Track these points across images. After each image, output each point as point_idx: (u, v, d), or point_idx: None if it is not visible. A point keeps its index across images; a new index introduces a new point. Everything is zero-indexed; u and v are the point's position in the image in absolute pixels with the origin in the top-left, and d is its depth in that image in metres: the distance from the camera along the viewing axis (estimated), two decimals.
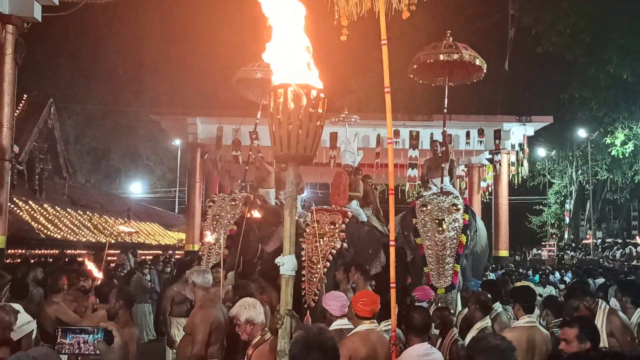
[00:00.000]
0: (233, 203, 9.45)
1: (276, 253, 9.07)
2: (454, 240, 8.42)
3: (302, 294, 8.39)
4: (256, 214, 9.45)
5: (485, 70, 10.40)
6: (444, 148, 10.21)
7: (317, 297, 8.13)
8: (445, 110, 10.59)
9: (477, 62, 9.96)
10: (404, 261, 9.21)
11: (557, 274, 16.69)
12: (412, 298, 6.78)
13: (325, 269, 8.50)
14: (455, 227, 8.50)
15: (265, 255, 9.27)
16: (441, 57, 9.71)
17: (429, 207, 8.72)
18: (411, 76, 11.07)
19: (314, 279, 8.47)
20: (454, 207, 8.64)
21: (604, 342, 5.16)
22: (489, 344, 3.12)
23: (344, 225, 8.95)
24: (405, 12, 5.79)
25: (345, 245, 8.77)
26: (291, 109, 3.37)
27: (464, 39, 11.53)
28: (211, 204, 9.70)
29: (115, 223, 22.47)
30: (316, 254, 8.56)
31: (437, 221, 8.51)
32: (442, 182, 9.90)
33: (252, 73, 10.92)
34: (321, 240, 8.74)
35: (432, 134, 17.42)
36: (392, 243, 5.16)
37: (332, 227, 8.91)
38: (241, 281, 8.11)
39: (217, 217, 9.41)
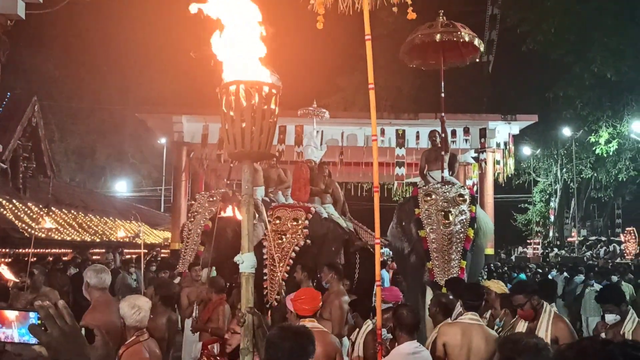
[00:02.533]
0: (211, 199, 9.31)
1: (256, 250, 8.82)
2: (461, 234, 7.72)
3: (265, 293, 8.15)
4: (230, 211, 9.28)
5: (482, 50, 9.44)
6: (443, 134, 9.36)
7: (279, 297, 7.87)
8: (442, 95, 9.52)
9: (475, 42, 8.93)
10: (371, 259, 9.08)
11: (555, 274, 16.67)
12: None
13: (288, 267, 8.18)
14: (462, 219, 7.80)
15: None
16: (438, 37, 8.63)
17: (433, 197, 8.00)
18: (404, 60, 9.92)
19: (277, 278, 8.17)
20: (461, 198, 7.95)
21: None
22: (528, 344, 3.14)
23: (307, 222, 8.59)
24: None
25: (308, 242, 8.45)
26: (244, 106, 3.33)
27: None
28: (193, 202, 9.65)
29: (100, 222, 22.35)
30: (278, 252, 8.24)
31: (442, 213, 7.80)
32: (442, 173, 9.08)
33: None
34: (283, 237, 8.41)
35: (418, 132, 17.51)
36: (377, 241, 5.12)
37: (295, 223, 8.54)
38: (164, 279, 7.97)
39: (195, 213, 9.31)
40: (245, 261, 3.48)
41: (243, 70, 3.45)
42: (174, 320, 6.70)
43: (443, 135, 9.33)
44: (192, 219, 9.28)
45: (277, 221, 8.53)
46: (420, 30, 8.97)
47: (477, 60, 10.00)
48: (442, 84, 9.38)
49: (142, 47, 32.36)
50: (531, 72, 30.01)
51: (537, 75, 29.85)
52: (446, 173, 9.14)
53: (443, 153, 9.18)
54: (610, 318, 5.35)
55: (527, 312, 5.11)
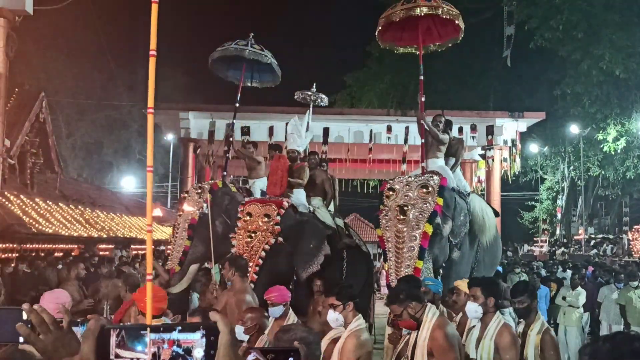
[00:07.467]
0: (199, 191, 8.72)
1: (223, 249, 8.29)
2: (416, 231, 6.90)
3: None
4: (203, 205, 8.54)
5: (462, 29, 8.70)
6: (422, 121, 8.52)
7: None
8: (422, 78, 8.82)
9: (451, 16, 8.21)
10: (362, 259, 8.68)
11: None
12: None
13: (257, 267, 7.49)
14: (417, 215, 6.96)
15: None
16: (417, 11, 7.92)
17: (395, 191, 7.23)
18: (380, 43, 9.35)
19: None
20: (424, 190, 7.07)
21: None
22: (297, 335, 2.91)
23: (278, 218, 7.76)
24: None
25: (280, 239, 7.71)
26: None
27: None
28: (185, 195, 9.11)
29: (107, 218, 22.42)
30: (247, 251, 7.59)
31: (398, 208, 7.03)
32: (422, 161, 8.41)
33: (228, 51, 10.19)
34: (253, 235, 7.72)
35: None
36: None
37: (267, 220, 7.76)
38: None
39: (185, 207, 8.78)
40: None
41: None
42: None
43: (422, 122, 8.54)
44: (181, 213, 8.71)
45: (248, 217, 7.85)
46: (395, 7, 8.27)
47: (457, 42, 9.25)
48: (421, 65, 8.78)
49: (149, 42, 32.44)
50: (539, 69, 29.95)
51: (544, 72, 29.77)
52: (438, 160, 8.46)
53: (423, 141, 8.54)
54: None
55: (406, 323, 4.47)
